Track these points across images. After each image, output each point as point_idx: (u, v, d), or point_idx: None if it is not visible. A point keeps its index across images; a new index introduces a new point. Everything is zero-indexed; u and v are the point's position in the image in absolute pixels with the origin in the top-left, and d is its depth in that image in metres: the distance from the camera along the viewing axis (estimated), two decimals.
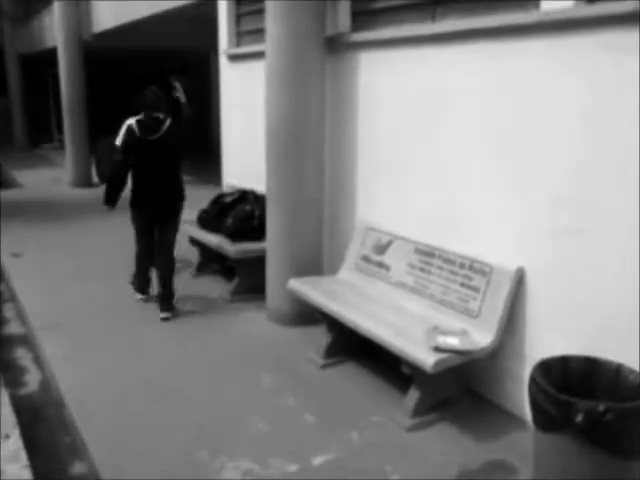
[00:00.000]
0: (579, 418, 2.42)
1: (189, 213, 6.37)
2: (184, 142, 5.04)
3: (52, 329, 4.72)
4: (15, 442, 3.21)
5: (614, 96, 2.87)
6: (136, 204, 5.04)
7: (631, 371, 2.72)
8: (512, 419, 3.48)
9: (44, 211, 9.48)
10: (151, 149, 4.86)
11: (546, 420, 2.58)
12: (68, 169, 12.21)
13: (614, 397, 2.62)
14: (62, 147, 14.00)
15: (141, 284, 5.38)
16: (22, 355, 4.54)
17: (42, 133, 19.59)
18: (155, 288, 5.22)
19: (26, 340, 4.77)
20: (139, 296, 5.39)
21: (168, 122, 4.89)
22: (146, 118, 4.90)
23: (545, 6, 3.13)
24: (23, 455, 3.09)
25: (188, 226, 6.18)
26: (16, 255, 6.79)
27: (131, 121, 4.91)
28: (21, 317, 5.20)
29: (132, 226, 5.21)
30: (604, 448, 2.43)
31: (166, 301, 5.01)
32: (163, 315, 4.95)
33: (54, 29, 12.13)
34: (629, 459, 2.51)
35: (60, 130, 15.47)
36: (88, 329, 4.75)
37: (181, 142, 5.00)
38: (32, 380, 4.14)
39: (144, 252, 5.22)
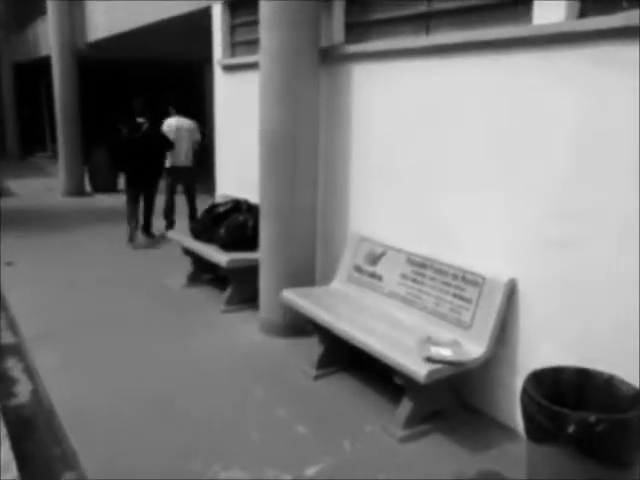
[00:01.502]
0: (571, 429, 2.43)
1: (181, 223, 6.44)
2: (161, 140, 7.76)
3: (43, 339, 4.70)
4: (6, 453, 3.18)
5: (606, 109, 2.90)
6: (127, 180, 7.90)
7: (622, 382, 2.73)
8: (504, 429, 3.48)
9: (37, 220, 9.45)
10: (134, 144, 7.53)
11: (538, 431, 2.59)
12: (61, 178, 12.20)
13: (606, 408, 2.63)
14: (55, 156, 13.99)
15: (131, 235, 7.78)
16: (13, 365, 4.50)
17: (35, 142, 19.55)
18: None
19: (17, 350, 4.73)
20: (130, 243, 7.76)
21: (146, 125, 7.56)
22: (131, 122, 7.60)
23: (537, 20, 3.17)
24: (13, 466, 3.07)
25: (181, 236, 6.19)
26: (9, 264, 6.76)
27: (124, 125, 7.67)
28: (12, 327, 5.16)
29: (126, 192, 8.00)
30: (596, 459, 2.44)
31: (147, 230, 7.99)
32: (144, 236, 7.92)
33: (48, 38, 12.14)
34: (621, 470, 2.53)
35: (53, 139, 15.45)
36: (80, 339, 4.73)
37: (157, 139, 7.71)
38: (23, 391, 4.11)
39: (132, 208, 7.82)
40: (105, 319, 5.17)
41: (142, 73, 16.30)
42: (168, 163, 8.00)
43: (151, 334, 4.85)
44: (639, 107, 2.75)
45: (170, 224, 8.13)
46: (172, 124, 8.00)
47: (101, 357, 4.41)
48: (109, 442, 3.32)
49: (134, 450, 3.26)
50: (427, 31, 3.92)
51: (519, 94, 3.31)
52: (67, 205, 11.02)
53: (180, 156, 8.04)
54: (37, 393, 4.04)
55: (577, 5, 3.03)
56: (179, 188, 8.30)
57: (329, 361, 4.14)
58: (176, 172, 8.09)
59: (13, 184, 13.12)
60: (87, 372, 4.16)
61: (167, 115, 8.16)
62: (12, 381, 4.25)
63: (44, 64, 13.64)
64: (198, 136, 8.35)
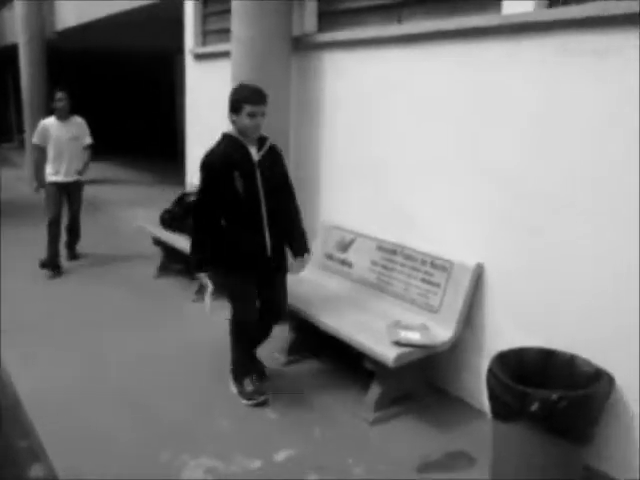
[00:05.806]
0: (534, 407, 2.49)
1: (151, 212, 6.35)
2: None
3: (5, 332, 4.57)
4: None
5: (571, 98, 2.96)
6: None
7: (584, 361, 2.82)
8: (471, 410, 3.56)
9: (4, 210, 9.24)
10: None
11: (503, 410, 2.65)
12: (28, 169, 11.94)
13: (568, 386, 2.70)
14: (22, 147, 13.70)
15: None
16: None
17: (1, 132, 19.14)
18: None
19: None
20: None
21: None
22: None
23: (507, 9, 3.22)
24: None
25: (151, 226, 6.13)
26: None
27: None
28: None
29: None
30: (558, 434, 2.51)
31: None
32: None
33: (15, 25, 11.88)
34: (581, 444, 2.61)
35: (20, 129, 15.13)
36: (46, 332, 4.65)
37: None
38: None
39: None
40: (73, 311, 5.10)
41: (113, 63, 16.06)
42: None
43: (122, 325, 4.79)
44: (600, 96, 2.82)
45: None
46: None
47: (70, 350, 4.33)
48: (76, 434, 3.27)
49: (101, 441, 3.21)
50: (399, 20, 3.95)
51: (487, 83, 3.35)
52: (35, 196, 10.74)
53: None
54: (2, 386, 3.96)
55: None
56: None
57: (300, 347, 4.16)
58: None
59: None
60: (54, 365, 4.09)
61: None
62: None
63: (10, 52, 13.34)
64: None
